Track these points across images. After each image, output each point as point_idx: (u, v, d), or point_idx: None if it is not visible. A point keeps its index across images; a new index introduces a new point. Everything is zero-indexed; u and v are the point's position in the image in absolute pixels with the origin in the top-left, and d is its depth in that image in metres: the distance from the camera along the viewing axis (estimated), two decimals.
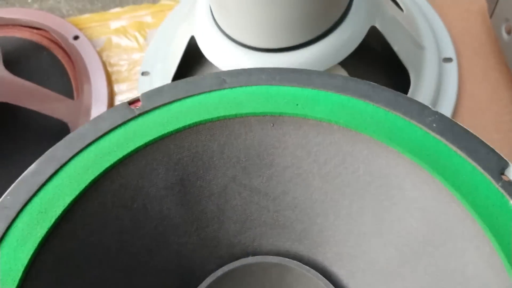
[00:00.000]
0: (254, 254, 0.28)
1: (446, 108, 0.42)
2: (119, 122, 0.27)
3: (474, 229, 0.22)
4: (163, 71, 0.47)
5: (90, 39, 0.53)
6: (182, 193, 0.28)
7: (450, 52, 0.45)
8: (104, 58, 0.52)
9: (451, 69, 0.44)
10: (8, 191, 0.25)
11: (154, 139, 0.27)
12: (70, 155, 0.26)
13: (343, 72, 0.39)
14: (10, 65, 0.43)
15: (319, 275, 0.26)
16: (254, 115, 0.27)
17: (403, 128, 0.25)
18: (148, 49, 0.51)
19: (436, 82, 0.41)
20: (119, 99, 0.50)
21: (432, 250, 0.23)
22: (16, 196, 0.24)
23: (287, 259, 0.27)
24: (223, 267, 0.27)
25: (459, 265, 0.22)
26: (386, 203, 0.25)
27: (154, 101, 0.28)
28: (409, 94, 0.40)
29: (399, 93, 0.27)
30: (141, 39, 0.53)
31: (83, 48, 0.51)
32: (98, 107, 0.48)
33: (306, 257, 0.28)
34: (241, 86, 0.28)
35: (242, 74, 0.29)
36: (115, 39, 0.53)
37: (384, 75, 0.42)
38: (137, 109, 0.28)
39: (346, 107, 0.26)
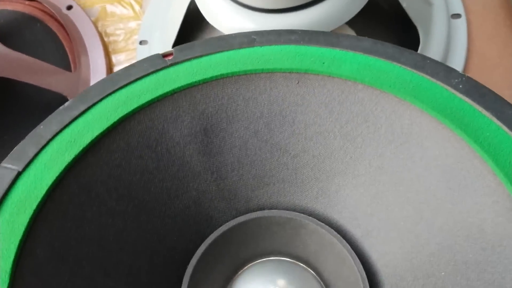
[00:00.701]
0: (271, 209, 0.29)
1: (456, 65, 0.41)
2: (151, 70, 0.28)
3: (495, 183, 0.22)
4: (162, 39, 0.45)
5: (84, 9, 0.50)
6: (204, 142, 0.28)
7: (458, 8, 0.43)
8: (100, 28, 0.49)
9: (460, 25, 0.42)
10: (43, 122, 0.26)
11: (182, 86, 0.27)
12: (102, 95, 0.27)
13: (351, 32, 0.38)
14: (3, 39, 0.42)
15: (334, 231, 0.26)
16: (280, 71, 0.28)
17: (428, 88, 0.25)
18: (145, 16, 0.48)
19: (445, 39, 0.40)
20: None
21: (451, 207, 0.23)
22: (48, 126, 0.26)
23: (302, 214, 0.27)
24: (239, 217, 0.28)
25: (477, 221, 0.22)
26: (406, 161, 0.25)
27: (185, 53, 0.29)
28: (418, 52, 0.39)
29: (426, 56, 0.27)
30: (137, 7, 0.50)
31: (78, 18, 0.49)
32: (97, 79, 0.44)
33: (322, 215, 0.28)
34: (270, 45, 0.29)
35: (272, 34, 0.29)
36: (109, 8, 0.50)
37: (393, 33, 0.41)
38: (168, 60, 0.29)
39: (372, 67, 0.27)
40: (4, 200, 0.23)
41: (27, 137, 0.26)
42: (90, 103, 0.27)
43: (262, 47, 0.29)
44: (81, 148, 0.25)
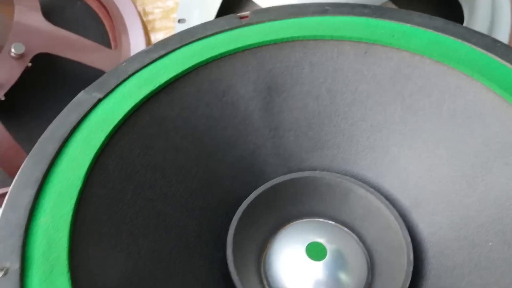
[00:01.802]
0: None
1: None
2: (226, 28, 0.30)
3: None
4: (201, 17, 0.45)
5: None
6: (267, 100, 0.30)
7: None
8: (138, 7, 0.49)
9: (504, 3, 0.41)
10: (125, 60, 0.29)
11: (253, 44, 0.29)
12: (180, 44, 0.29)
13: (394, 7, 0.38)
14: (46, 16, 0.43)
15: (383, 198, 0.27)
16: (349, 40, 0.29)
17: (497, 67, 0.25)
18: None
19: (489, 16, 0.39)
20: None
21: (505, 182, 0.23)
22: (131, 64, 0.28)
23: (353, 179, 0.28)
24: (291, 174, 0.29)
25: None
26: (466, 137, 0.25)
27: (260, 16, 0.31)
28: None
29: (497, 39, 0.27)
30: None
31: None
32: None
33: (372, 184, 0.28)
34: (342, 15, 0.30)
35: (345, 6, 0.31)
36: None
37: (436, 10, 0.40)
38: (244, 20, 0.31)
39: (441, 44, 0.27)
40: (84, 120, 0.25)
41: (110, 71, 0.28)
42: (169, 49, 0.29)
43: (334, 16, 0.30)
44: (156, 86, 0.27)
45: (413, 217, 0.26)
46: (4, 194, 0.42)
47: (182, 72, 0.28)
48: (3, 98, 0.40)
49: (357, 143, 0.29)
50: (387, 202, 0.27)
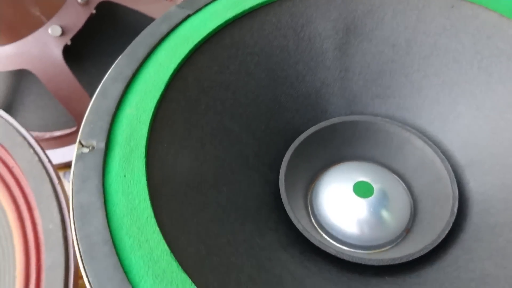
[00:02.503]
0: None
1: None
2: None
3: None
4: None
5: None
6: (343, 40, 0.30)
7: None
8: None
9: None
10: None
11: None
12: None
13: None
14: None
15: (440, 153, 0.27)
16: None
17: None
18: None
19: None
20: None
21: None
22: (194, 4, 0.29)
23: (414, 130, 0.29)
24: (352, 116, 0.30)
25: None
26: None
27: None
28: None
29: None
30: None
31: None
32: None
33: (432, 138, 0.29)
34: None
35: None
36: None
37: None
38: None
39: None
40: (173, 32, 0.28)
41: None
42: None
43: None
44: (241, 10, 0.28)
45: (466, 174, 0.27)
46: (69, 134, 0.46)
47: (267, 1, 0.29)
48: (69, 43, 0.43)
49: (425, 96, 0.29)
50: (442, 157, 0.27)
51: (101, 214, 0.20)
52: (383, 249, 0.27)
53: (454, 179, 0.26)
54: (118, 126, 0.24)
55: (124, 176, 0.22)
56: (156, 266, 0.19)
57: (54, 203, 0.29)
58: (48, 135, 0.48)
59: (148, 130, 0.23)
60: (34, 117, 0.47)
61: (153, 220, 0.20)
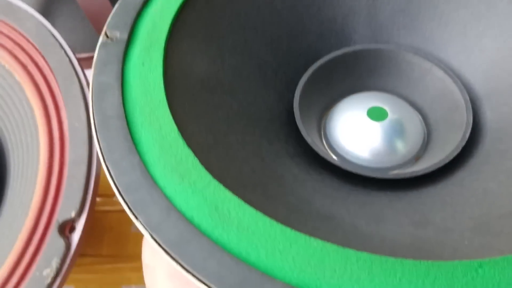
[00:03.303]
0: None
1: None
2: None
3: None
4: None
5: None
6: None
7: None
8: None
9: None
10: None
11: None
12: None
13: None
14: None
15: (460, 83, 0.27)
16: None
17: None
18: None
19: None
20: None
21: None
22: None
23: (436, 61, 0.28)
24: (376, 44, 0.30)
25: None
26: None
27: None
28: None
29: None
30: None
31: None
32: None
33: (454, 70, 0.28)
34: None
35: None
36: None
37: None
38: None
39: None
40: None
41: None
42: None
43: None
44: None
45: (484, 105, 0.26)
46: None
47: None
48: None
49: (452, 29, 0.29)
50: (462, 87, 0.27)
51: (117, 93, 0.21)
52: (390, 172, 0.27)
53: (470, 108, 0.26)
54: (142, 21, 0.25)
55: (143, 64, 0.23)
56: (164, 140, 0.20)
57: (82, 103, 0.30)
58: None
59: (169, 29, 0.24)
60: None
61: (165, 103, 0.21)
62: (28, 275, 0.27)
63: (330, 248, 0.16)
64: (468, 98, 0.26)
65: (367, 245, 0.17)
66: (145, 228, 0.17)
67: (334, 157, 0.28)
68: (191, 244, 0.17)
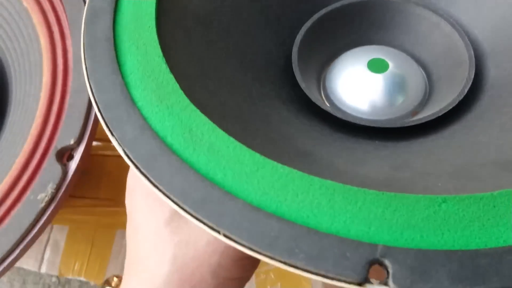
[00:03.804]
0: None
1: None
2: None
3: None
4: None
5: None
6: None
7: None
8: None
9: None
10: None
11: None
12: None
13: None
14: None
15: (466, 38, 0.26)
16: None
17: None
18: None
19: None
20: None
21: None
22: None
23: (445, 15, 0.27)
24: None
25: None
26: None
27: None
28: None
29: None
30: None
31: None
32: None
33: (462, 25, 0.27)
34: None
35: None
36: None
37: None
38: None
39: None
40: None
41: None
42: None
43: None
44: None
45: (489, 62, 0.25)
46: None
47: None
48: None
49: None
50: (468, 43, 0.26)
51: (109, 17, 0.21)
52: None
53: (474, 65, 0.25)
54: None
55: None
56: (148, 64, 0.20)
57: None
58: None
59: None
60: None
61: (154, 30, 0.21)
62: (23, 198, 0.28)
63: (296, 175, 0.16)
64: (473, 54, 0.25)
65: (337, 179, 0.17)
66: (119, 144, 0.18)
67: (328, 105, 0.28)
68: (160, 160, 0.17)
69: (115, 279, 0.21)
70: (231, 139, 0.17)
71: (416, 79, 0.27)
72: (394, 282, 0.13)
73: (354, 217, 0.15)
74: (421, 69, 0.28)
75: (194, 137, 0.17)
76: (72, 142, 0.29)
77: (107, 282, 0.21)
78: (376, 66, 0.27)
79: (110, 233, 0.38)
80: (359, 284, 0.14)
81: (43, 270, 0.36)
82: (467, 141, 0.21)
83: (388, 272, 0.14)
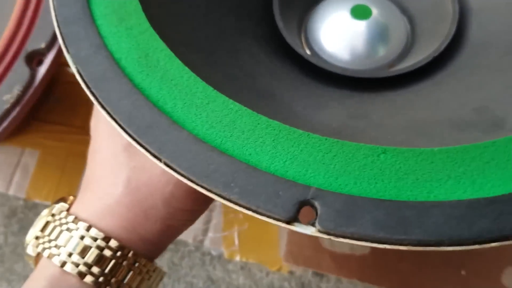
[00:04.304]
0: None
1: None
2: None
3: None
4: None
5: None
6: None
7: None
8: None
9: None
10: None
11: None
12: None
13: None
14: None
15: None
16: None
17: None
18: None
19: None
20: None
21: None
22: None
23: None
24: None
25: None
26: None
27: None
28: None
29: None
30: None
31: None
32: None
33: None
34: None
35: None
36: None
37: None
38: None
39: None
40: None
41: None
42: None
43: None
44: None
45: (473, 19, 0.24)
46: None
47: None
48: None
49: None
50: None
51: None
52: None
53: (456, 20, 0.24)
54: None
55: None
56: (122, 10, 0.19)
57: None
58: None
59: None
60: None
61: None
62: None
63: (245, 112, 0.16)
64: (457, 9, 0.24)
65: (289, 121, 0.17)
66: (72, 61, 0.17)
67: (308, 52, 0.27)
68: (111, 82, 0.16)
69: (71, 197, 0.22)
70: (186, 69, 0.17)
71: (398, 30, 0.26)
72: (319, 223, 0.14)
73: (294, 158, 0.15)
74: (406, 20, 0.27)
75: (149, 62, 0.17)
76: (43, 45, 0.28)
77: (63, 199, 0.22)
78: (359, 12, 0.26)
79: (82, 162, 0.38)
80: (287, 223, 0.14)
81: (11, 192, 0.36)
82: (431, 98, 0.21)
83: (316, 213, 0.14)
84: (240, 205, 0.14)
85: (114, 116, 0.16)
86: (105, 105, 0.16)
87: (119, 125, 0.16)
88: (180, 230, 0.22)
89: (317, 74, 0.24)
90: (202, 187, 0.15)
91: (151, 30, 0.18)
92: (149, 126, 0.16)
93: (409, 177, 0.14)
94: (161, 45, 0.17)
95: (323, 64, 0.24)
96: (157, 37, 0.18)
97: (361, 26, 0.26)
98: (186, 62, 0.17)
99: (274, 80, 0.22)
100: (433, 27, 0.26)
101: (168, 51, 0.17)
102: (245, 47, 0.23)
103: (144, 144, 0.15)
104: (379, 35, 0.26)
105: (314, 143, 0.15)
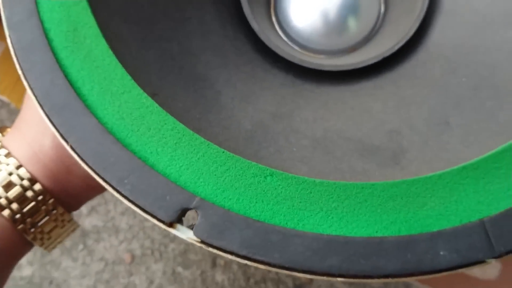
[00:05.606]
0: None
1: None
2: None
3: None
4: None
5: None
6: None
7: None
8: None
9: None
10: None
11: None
12: None
13: None
14: None
15: None
16: None
17: None
18: None
19: None
20: None
21: None
22: None
23: None
24: None
25: None
26: None
27: None
28: None
29: None
30: None
31: None
32: None
33: None
34: None
35: None
36: None
37: None
38: None
39: None
40: None
41: None
42: None
43: None
44: None
45: (439, 21, 0.24)
46: None
47: None
48: None
49: None
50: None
51: None
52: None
53: (420, 20, 0.23)
54: None
55: None
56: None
57: None
58: None
59: None
60: None
61: None
62: None
63: (155, 109, 0.17)
64: (426, 7, 0.23)
65: (209, 117, 0.17)
66: (6, 24, 0.17)
67: (277, 26, 0.26)
68: (35, 54, 0.17)
69: (8, 129, 0.23)
70: (110, 52, 0.17)
71: (370, 9, 0.25)
72: (194, 231, 0.15)
73: (189, 165, 0.16)
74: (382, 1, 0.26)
75: (76, 38, 0.17)
76: None
77: (0, 129, 0.23)
78: None
79: None
80: (169, 225, 0.15)
81: None
82: (363, 105, 0.21)
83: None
84: (129, 201, 0.16)
85: (32, 89, 0.17)
86: (26, 77, 0.17)
87: (37, 100, 0.17)
88: (99, 191, 0.23)
89: (267, 53, 0.24)
90: (100, 178, 0.16)
91: (85, 2, 0.18)
92: (63, 107, 0.16)
93: (286, 203, 0.16)
94: (91, 20, 0.17)
95: (270, 43, 0.23)
96: (89, 10, 0.18)
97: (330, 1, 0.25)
98: (116, 36, 0.18)
99: (216, 56, 0.22)
100: (402, 16, 0.25)
101: (95, 29, 0.17)
102: (197, 21, 0.22)
103: (55, 124, 0.16)
104: (348, 8, 0.25)
105: (211, 153, 0.16)
